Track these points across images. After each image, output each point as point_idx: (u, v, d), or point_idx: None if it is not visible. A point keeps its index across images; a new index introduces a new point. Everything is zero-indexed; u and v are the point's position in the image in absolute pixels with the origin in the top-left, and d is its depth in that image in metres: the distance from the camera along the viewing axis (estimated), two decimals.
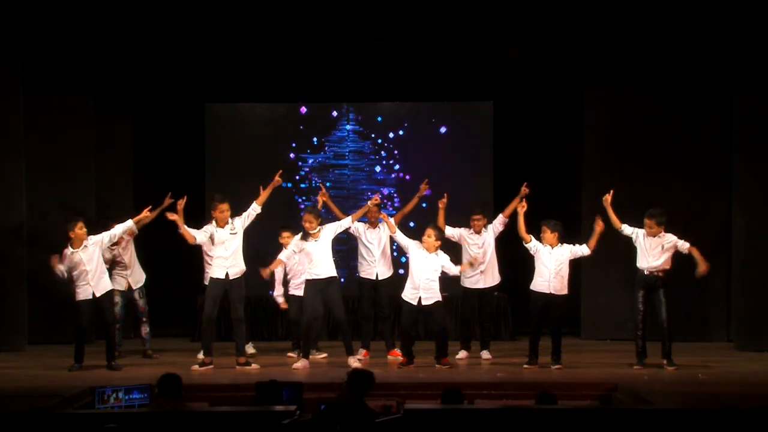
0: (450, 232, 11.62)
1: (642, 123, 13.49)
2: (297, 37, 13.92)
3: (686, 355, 11.56)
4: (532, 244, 11.09)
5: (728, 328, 13.17)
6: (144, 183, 14.34)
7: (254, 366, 10.98)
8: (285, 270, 11.92)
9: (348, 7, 13.29)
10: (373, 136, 14.52)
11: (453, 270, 11.08)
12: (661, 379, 10.27)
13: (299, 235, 11.26)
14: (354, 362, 10.99)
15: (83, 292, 10.98)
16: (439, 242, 11.08)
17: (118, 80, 14.11)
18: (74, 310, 11.07)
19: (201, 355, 11.27)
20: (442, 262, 11.05)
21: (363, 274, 12.02)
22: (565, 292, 11.05)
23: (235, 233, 11.02)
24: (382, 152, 14.49)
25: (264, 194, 11.20)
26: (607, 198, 11.13)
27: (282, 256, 11.40)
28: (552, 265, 10.98)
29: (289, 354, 11.94)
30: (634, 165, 13.42)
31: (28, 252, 12.71)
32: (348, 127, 14.54)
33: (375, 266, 11.91)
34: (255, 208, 11.13)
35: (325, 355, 11.96)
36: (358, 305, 12.43)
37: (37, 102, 12.99)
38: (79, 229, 10.96)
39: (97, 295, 11.00)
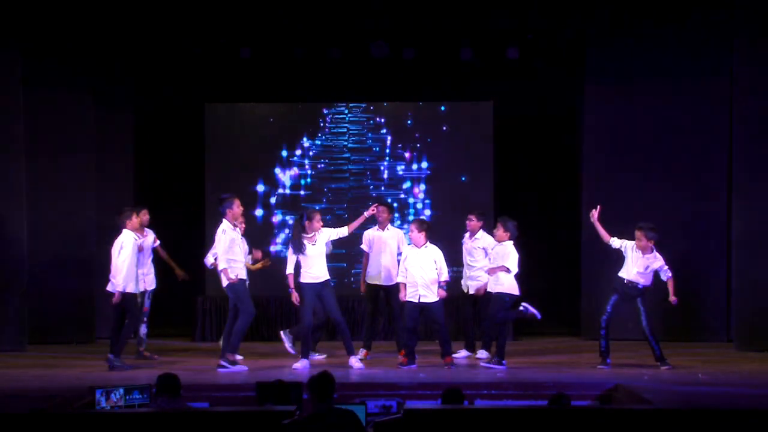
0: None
1: (642, 123, 13.48)
2: (297, 36, 13.93)
3: (686, 355, 11.58)
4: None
5: (728, 328, 13.16)
6: (144, 182, 14.36)
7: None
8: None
9: (349, 7, 13.29)
10: (373, 136, 14.52)
11: (443, 271, 10.98)
12: (661, 379, 10.26)
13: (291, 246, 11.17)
14: (355, 362, 10.99)
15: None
16: (423, 233, 10.92)
17: (118, 80, 14.10)
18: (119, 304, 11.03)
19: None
20: (434, 256, 10.97)
21: (369, 279, 11.95)
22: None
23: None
24: (383, 152, 14.49)
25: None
26: (594, 213, 11.14)
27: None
28: None
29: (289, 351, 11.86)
30: (633, 165, 13.42)
31: (28, 252, 12.71)
32: (348, 127, 14.54)
33: (381, 270, 11.82)
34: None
35: (325, 355, 11.96)
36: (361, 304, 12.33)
37: (37, 101, 12.98)
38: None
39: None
